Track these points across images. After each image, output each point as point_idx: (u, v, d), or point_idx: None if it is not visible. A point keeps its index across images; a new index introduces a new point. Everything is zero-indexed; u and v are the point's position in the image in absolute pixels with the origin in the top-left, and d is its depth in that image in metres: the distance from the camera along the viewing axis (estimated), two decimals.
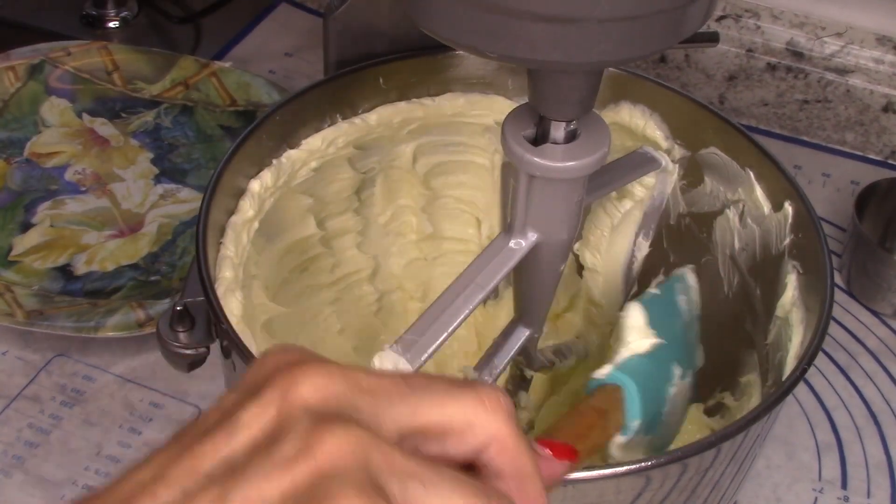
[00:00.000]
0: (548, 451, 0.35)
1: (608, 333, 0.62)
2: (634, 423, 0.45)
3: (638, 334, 0.47)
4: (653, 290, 0.53)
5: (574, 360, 0.61)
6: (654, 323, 0.48)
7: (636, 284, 0.63)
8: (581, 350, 0.61)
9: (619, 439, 0.44)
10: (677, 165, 0.59)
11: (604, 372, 0.45)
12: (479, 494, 0.28)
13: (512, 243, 0.48)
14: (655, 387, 0.48)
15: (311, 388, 0.29)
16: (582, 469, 0.41)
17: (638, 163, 0.57)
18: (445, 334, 0.46)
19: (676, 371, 0.50)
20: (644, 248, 0.61)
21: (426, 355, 0.45)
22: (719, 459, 0.46)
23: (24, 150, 0.84)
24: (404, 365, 0.45)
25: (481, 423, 0.30)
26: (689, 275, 0.54)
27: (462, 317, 0.47)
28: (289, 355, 0.30)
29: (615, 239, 0.60)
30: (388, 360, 0.45)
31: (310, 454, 0.27)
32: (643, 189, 0.59)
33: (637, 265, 0.62)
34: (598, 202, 0.60)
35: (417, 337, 0.45)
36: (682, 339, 0.52)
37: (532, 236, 0.48)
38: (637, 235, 0.60)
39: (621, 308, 0.61)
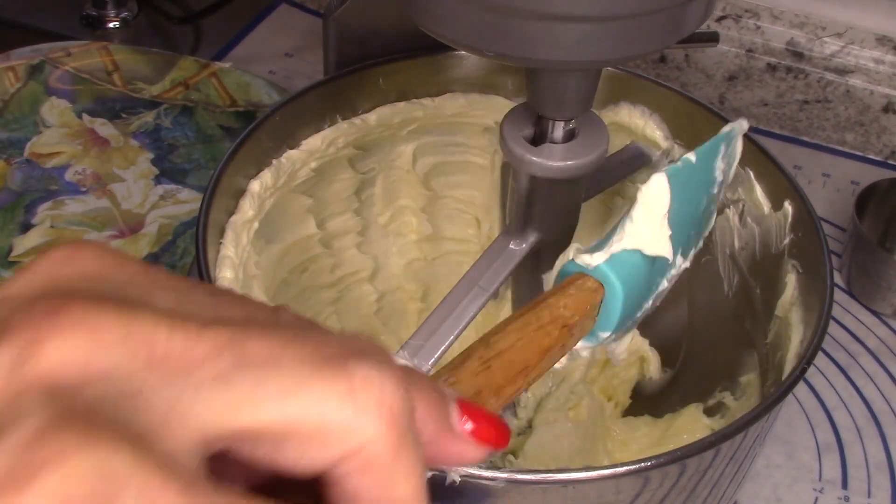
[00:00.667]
0: (468, 427, 0.23)
1: None
2: (605, 334, 0.36)
3: (650, 228, 0.37)
4: (690, 155, 0.41)
5: (571, 358, 0.61)
6: (676, 203, 0.38)
7: None
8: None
9: (580, 344, 0.35)
10: (666, 159, 0.59)
11: (590, 260, 0.35)
12: None
13: (512, 244, 0.48)
14: (646, 287, 0.38)
15: (61, 358, 0.18)
16: (581, 470, 0.41)
17: (630, 159, 0.57)
18: (451, 338, 0.46)
19: (679, 259, 0.41)
20: None
21: (433, 360, 0.45)
22: (719, 459, 0.46)
23: (24, 151, 0.84)
24: None
25: (347, 425, 0.20)
26: (739, 129, 0.43)
27: (467, 320, 0.47)
28: (52, 284, 0.19)
29: None
30: None
31: (24, 481, 0.16)
32: (634, 187, 0.59)
33: None
34: (590, 200, 0.60)
35: (423, 342, 0.45)
36: (703, 214, 0.41)
37: (532, 236, 0.48)
38: None
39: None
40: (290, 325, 0.21)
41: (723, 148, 0.43)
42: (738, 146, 0.45)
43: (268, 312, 0.21)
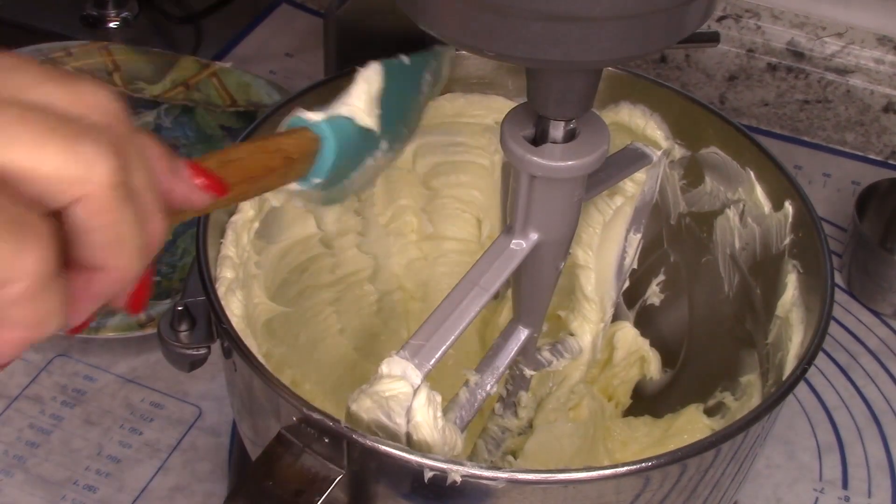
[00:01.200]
0: (196, 180, 0.31)
1: (602, 329, 0.62)
2: (316, 179, 0.42)
3: (364, 102, 0.45)
4: (404, 57, 0.50)
5: (570, 358, 0.61)
6: (388, 92, 0.46)
7: (627, 280, 0.63)
8: (575, 347, 0.61)
9: (294, 186, 0.41)
10: (665, 158, 0.59)
11: (314, 117, 0.42)
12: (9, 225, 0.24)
13: (513, 244, 0.48)
14: (355, 154, 0.45)
15: None
16: (582, 470, 0.41)
17: (630, 159, 0.57)
18: (452, 338, 0.46)
19: (384, 145, 0.48)
20: (634, 243, 0.61)
21: (434, 360, 0.45)
22: (719, 460, 0.46)
23: None
24: (412, 371, 0.45)
25: (76, 177, 0.26)
26: (447, 53, 0.53)
27: (468, 320, 0.47)
28: None
29: (607, 235, 0.60)
30: (395, 365, 0.45)
31: None
32: (634, 185, 0.59)
33: (629, 260, 0.62)
34: (590, 200, 0.60)
35: (424, 341, 0.45)
36: (407, 114, 0.50)
37: (533, 236, 0.48)
38: (628, 231, 0.60)
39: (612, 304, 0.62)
40: (58, 90, 0.27)
41: (433, 63, 0.52)
42: (445, 70, 0.54)
43: (47, 86, 0.27)
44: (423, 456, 0.41)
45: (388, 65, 0.47)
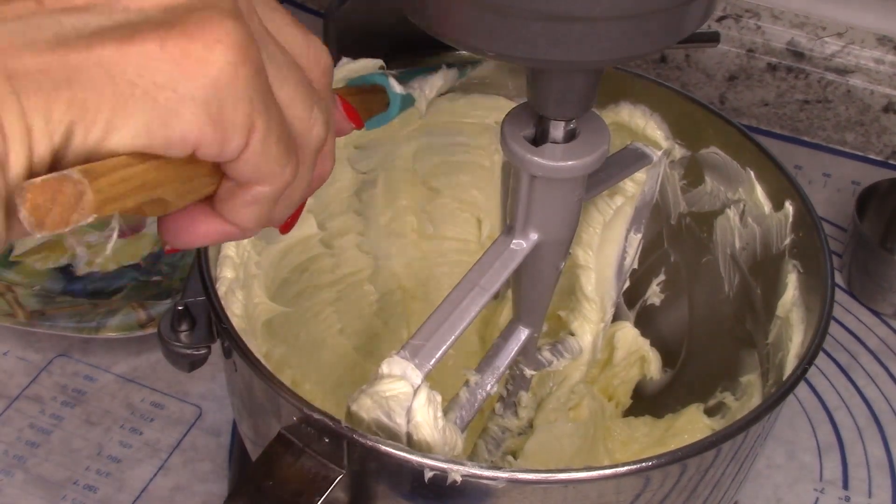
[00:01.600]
0: (346, 112, 0.40)
1: (602, 329, 0.62)
2: (393, 111, 0.52)
3: (429, 91, 0.57)
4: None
5: (570, 358, 0.61)
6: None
7: (628, 280, 0.63)
8: (575, 347, 0.61)
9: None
10: (665, 158, 0.59)
11: (398, 89, 0.52)
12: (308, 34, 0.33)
13: (513, 244, 0.48)
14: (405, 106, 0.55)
15: None
16: (582, 470, 0.41)
17: (631, 159, 0.57)
18: (452, 338, 0.46)
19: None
20: (635, 243, 0.61)
21: (434, 360, 0.45)
22: (720, 459, 0.46)
23: None
24: (413, 371, 0.45)
25: (308, 125, 0.34)
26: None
27: (468, 320, 0.47)
28: None
29: (607, 235, 0.60)
30: (396, 365, 0.45)
31: None
32: (634, 185, 0.59)
33: (629, 260, 0.62)
34: (590, 200, 0.60)
35: (424, 342, 0.45)
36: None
37: (533, 236, 0.48)
38: (628, 231, 0.60)
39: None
40: None
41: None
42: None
43: None
44: (424, 456, 0.41)
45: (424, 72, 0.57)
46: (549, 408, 0.62)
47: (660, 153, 0.58)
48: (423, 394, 0.44)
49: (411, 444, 0.44)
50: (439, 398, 0.45)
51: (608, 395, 0.66)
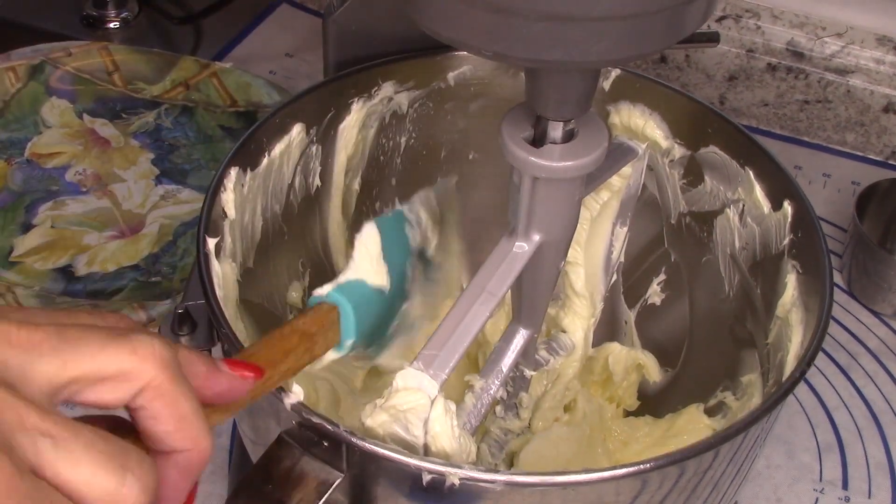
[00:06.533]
0: (234, 371, 0.36)
1: (592, 325, 0.62)
2: (349, 341, 0.45)
3: (368, 263, 0.48)
4: (386, 212, 0.54)
5: (564, 355, 0.61)
6: (386, 247, 0.49)
7: (616, 274, 0.63)
8: (568, 343, 0.61)
9: (331, 355, 0.45)
10: (648, 150, 0.59)
11: (323, 291, 0.45)
12: (112, 457, 0.29)
13: (516, 247, 0.48)
14: (379, 309, 0.48)
15: None
16: (580, 472, 0.41)
17: (618, 154, 0.57)
18: (465, 345, 0.46)
19: (398, 303, 0.51)
20: (621, 236, 0.61)
21: (449, 369, 0.45)
22: (718, 461, 0.46)
23: (24, 151, 0.84)
24: (429, 382, 0.44)
25: (134, 370, 0.31)
26: (414, 209, 0.54)
27: (478, 326, 0.46)
28: None
29: (594, 230, 0.60)
30: (411, 378, 0.45)
31: None
32: (620, 179, 0.59)
33: (616, 253, 0.62)
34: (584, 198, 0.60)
35: (437, 351, 0.45)
36: (404, 268, 0.52)
37: (535, 238, 0.48)
38: (614, 225, 0.60)
39: (602, 298, 0.62)
40: (93, 318, 0.34)
41: (408, 216, 0.54)
42: (423, 214, 0.55)
43: (82, 315, 0.34)
44: (422, 459, 0.41)
45: (379, 222, 0.49)
46: (546, 406, 0.62)
47: (644, 146, 0.58)
48: (440, 404, 0.44)
49: (429, 454, 0.44)
50: (454, 407, 0.45)
51: (616, 402, 0.65)
